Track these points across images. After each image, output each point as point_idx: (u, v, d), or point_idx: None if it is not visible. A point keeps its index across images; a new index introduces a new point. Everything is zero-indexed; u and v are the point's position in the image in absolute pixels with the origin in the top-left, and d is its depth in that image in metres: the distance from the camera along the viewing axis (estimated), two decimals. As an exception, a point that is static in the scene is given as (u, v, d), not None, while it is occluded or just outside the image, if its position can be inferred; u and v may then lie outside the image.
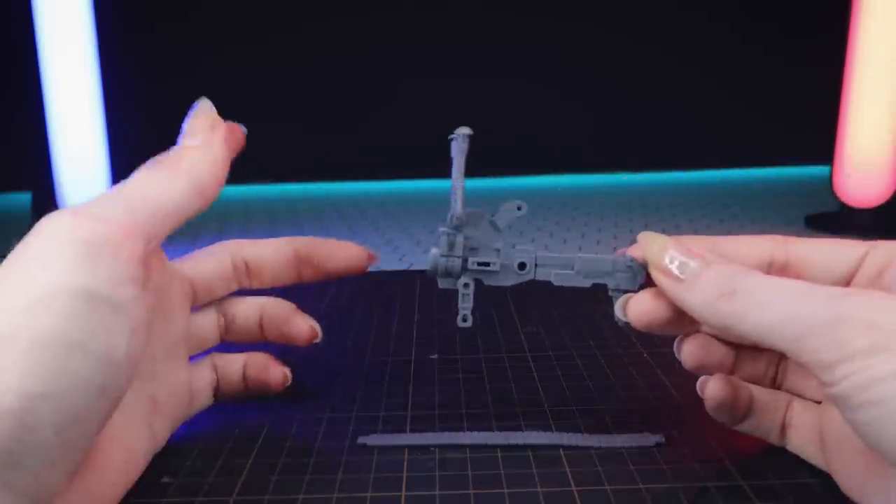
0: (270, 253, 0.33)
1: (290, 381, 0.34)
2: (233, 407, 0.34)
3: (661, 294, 0.27)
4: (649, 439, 0.30)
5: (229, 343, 0.34)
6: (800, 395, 0.29)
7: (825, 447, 0.27)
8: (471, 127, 0.28)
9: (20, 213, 2.37)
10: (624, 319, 0.28)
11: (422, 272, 0.56)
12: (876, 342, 0.21)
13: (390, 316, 0.47)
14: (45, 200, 2.19)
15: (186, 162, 0.26)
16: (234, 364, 0.33)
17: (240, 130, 0.30)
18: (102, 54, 2.20)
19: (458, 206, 0.28)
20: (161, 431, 0.29)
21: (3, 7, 2.12)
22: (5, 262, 0.21)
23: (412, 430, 0.32)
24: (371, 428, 0.32)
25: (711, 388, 0.28)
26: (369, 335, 0.44)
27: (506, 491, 0.27)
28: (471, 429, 0.32)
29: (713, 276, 0.25)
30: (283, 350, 0.39)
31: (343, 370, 0.39)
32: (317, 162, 3.40)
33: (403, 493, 0.27)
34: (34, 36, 2.07)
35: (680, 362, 0.39)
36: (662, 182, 3.36)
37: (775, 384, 0.30)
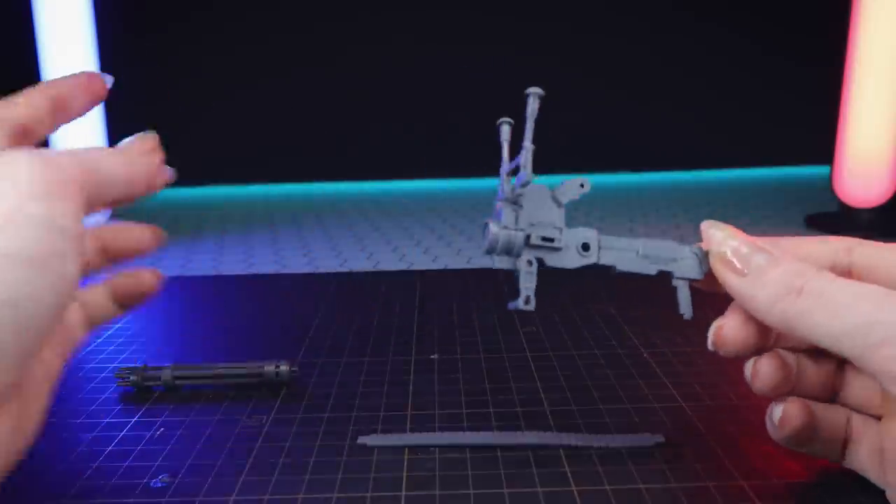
0: None
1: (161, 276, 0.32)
2: (233, 407, 0.34)
3: (748, 319, 0.26)
4: (649, 439, 0.30)
5: None
6: (858, 410, 0.27)
7: (886, 465, 0.25)
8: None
9: (20, 213, 2.37)
10: (713, 348, 0.27)
11: (422, 272, 0.56)
12: None
13: (390, 316, 0.47)
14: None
15: (124, 156, 0.27)
16: (96, 294, 0.31)
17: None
18: (102, 54, 2.20)
19: (528, 173, 0.26)
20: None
21: (3, 7, 2.12)
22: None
23: (412, 430, 0.32)
24: (371, 428, 0.32)
25: (790, 416, 0.26)
26: (369, 335, 0.44)
27: (506, 491, 0.27)
28: (471, 429, 0.32)
29: (781, 273, 0.23)
30: (279, 349, 0.40)
31: (343, 370, 0.39)
32: (316, 162, 3.40)
33: (403, 493, 0.27)
34: (34, 36, 2.07)
35: (679, 362, 0.39)
36: (662, 182, 3.36)
37: (832, 398, 0.28)
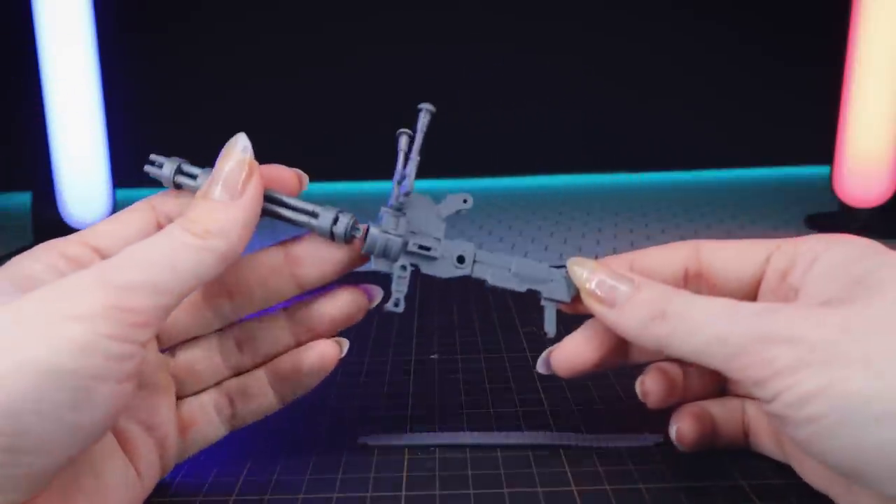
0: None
1: (345, 349, 0.29)
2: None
3: (582, 342, 0.28)
4: (649, 439, 0.30)
5: None
6: (750, 397, 0.29)
7: (783, 444, 0.28)
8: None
9: (20, 213, 2.37)
10: (545, 372, 0.29)
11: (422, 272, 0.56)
12: (800, 357, 0.21)
13: (390, 316, 0.47)
14: (45, 200, 2.19)
15: (216, 229, 0.24)
16: (254, 379, 0.29)
17: (295, 177, 0.30)
18: (103, 55, 2.20)
19: (410, 182, 0.28)
20: (145, 466, 0.26)
21: (3, 7, 2.12)
22: (39, 292, 0.21)
23: (412, 430, 0.32)
24: (371, 428, 0.32)
25: (683, 433, 0.28)
26: (369, 335, 0.44)
27: (506, 491, 0.27)
28: (471, 429, 0.32)
29: (642, 299, 0.25)
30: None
31: (343, 370, 0.39)
32: (317, 162, 3.40)
33: (403, 493, 0.27)
34: (34, 36, 2.07)
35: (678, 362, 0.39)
36: (662, 182, 3.36)
37: (725, 392, 0.30)
